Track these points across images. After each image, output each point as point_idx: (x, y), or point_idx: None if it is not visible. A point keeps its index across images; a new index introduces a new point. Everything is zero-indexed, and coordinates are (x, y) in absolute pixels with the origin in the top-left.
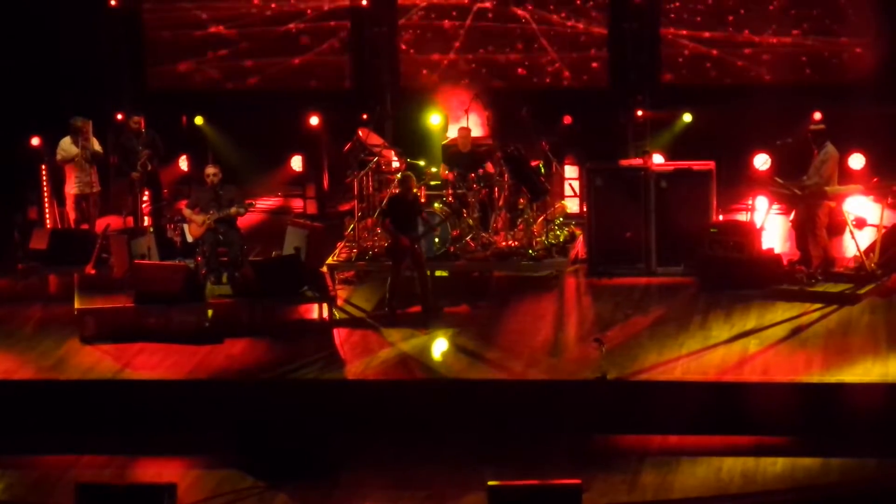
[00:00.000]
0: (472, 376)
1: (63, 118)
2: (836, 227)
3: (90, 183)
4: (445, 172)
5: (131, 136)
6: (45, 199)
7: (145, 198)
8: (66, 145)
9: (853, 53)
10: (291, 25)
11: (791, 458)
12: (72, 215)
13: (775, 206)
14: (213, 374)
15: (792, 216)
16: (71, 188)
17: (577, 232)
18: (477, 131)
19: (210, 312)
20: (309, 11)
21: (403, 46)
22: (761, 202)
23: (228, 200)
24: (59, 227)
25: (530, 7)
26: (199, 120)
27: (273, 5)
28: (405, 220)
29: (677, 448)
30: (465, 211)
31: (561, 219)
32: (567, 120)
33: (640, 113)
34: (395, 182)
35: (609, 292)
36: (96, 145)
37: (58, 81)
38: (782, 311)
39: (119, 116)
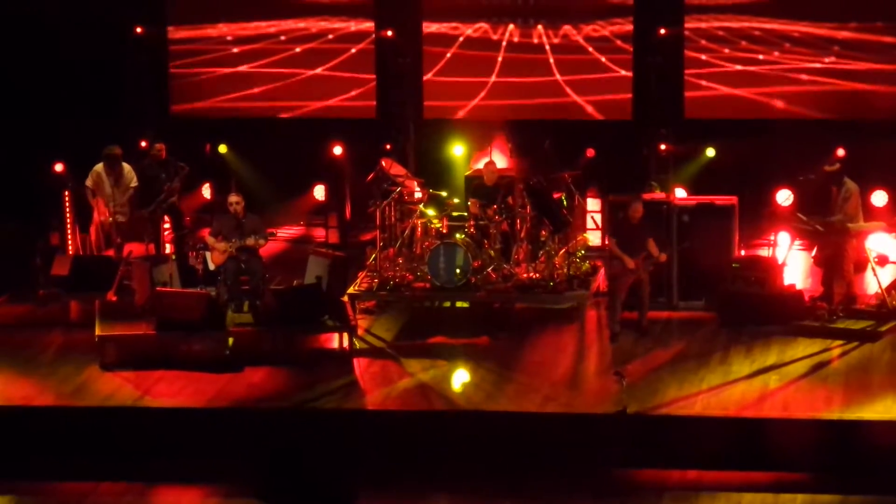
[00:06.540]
0: (492, 408)
1: (87, 144)
2: (859, 264)
3: (118, 212)
4: (476, 209)
5: (154, 164)
6: (68, 226)
7: (166, 226)
8: (97, 172)
9: (877, 90)
10: (316, 53)
11: (810, 494)
12: (93, 238)
13: (797, 242)
14: (232, 402)
15: (814, 252)
16: (98, 214)
17: (599, 265)
18: (500, 163)
19: (231, 341)
20: (334, 41)
21: (427, 77)
22: (783, 238)
23: (251, 229)
24: (82, 253)
25: (555, 40)
26: (222, 148)
27: (298, 35)
28: (630, 243)
29: (697, 483)
30: (486, 242)
31: (583, 251)
32: (590, 153)
33: (663, 147)
34: (631, 206)
35: (630, 326)
36: (132, 181)
37: (83, 108)
38: (803, 348)
39: (143, 143)
